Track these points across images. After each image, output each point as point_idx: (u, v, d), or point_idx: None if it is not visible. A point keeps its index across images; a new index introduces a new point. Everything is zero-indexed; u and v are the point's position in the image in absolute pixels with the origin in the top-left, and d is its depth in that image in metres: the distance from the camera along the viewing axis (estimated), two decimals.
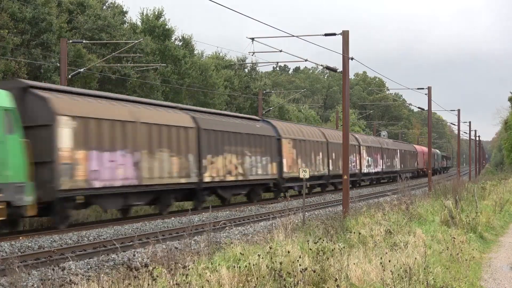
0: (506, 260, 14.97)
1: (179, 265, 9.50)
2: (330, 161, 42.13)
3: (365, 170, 51.58)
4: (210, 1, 14.87)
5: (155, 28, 45.08)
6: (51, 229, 20.31)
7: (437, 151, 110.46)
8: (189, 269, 8.94)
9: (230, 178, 29.33)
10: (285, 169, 35.10)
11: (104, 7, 43.08)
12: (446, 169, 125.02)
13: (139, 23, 46.20)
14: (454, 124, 66.75)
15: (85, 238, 18.35)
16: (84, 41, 32.64)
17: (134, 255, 14.52)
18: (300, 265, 9.59)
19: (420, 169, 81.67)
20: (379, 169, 56.42)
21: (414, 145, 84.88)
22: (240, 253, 10.76)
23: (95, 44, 36.40)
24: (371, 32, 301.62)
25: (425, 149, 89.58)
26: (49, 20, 32.65)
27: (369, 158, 53.42)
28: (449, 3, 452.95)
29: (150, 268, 8.30)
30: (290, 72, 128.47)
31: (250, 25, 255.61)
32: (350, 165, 41.31)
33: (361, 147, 50.72)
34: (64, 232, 19.26)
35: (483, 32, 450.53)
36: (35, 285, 11.76)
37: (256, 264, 9.54)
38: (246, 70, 60.90)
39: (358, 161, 49.90)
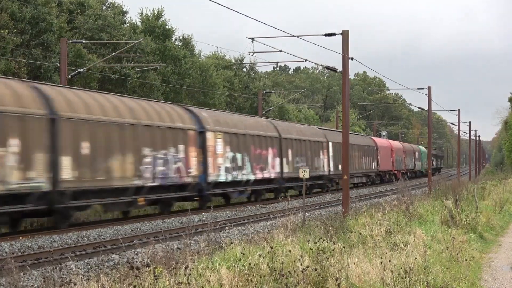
0: (506, 260, 14.97)
1: (179, 265, 9.50)
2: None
3: (220, 177, 28.22)
4: (210, 1, 14.87)
5: (155, 28, 45.10)
6: (51, 229, 20.31)
7: (421, 147, 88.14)
8: (191, 269, 8.94)
9: None
10: None
11: (104, 7, 43.10)
12: (437, 170, 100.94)
13: (139, 23, 46.21)
14: (454, 124, 66.74)
15: (85, 238, 18.35)
16: (84, 41, 32.66)
17: (137, 255, 14.52)
18: (301, 264, 9.60)
19: (384, 172, 58.79)
20: (271, 173, 33.29)
21: (374, 138, 60.50)
22: (241, 253, 10.76)
23: (95, 44, 36.41)
24: (371, 32, 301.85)
25: (396, 143, 68.90)
26: (49, 20, 32.66)
27: (240, 156, 29.96)
28: (449, 2, 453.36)
29: (151, 268, 8.29)
30: (290, 72, 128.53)
31: (250, 25, 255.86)
32: (160, 168, 24.17)
33: (210, 134, 27.58)
34: (64, 232, 19.25)
35: (484, 31, 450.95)
36: (35, 285, 11.76)
37: (256, 264, 9.55)
38: (245, 69, 60.92)
39: (192, 161, 26.12)
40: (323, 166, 40.75)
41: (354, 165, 47.36)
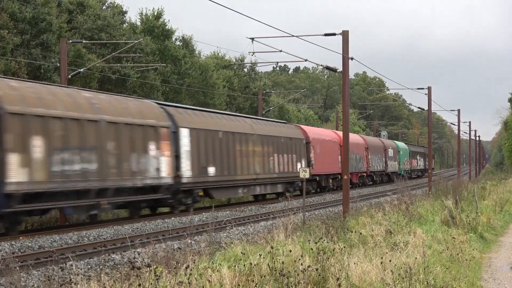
0: (506, 260, 14.99)
1: (180, 265, 9.52)
2: None
3: None
4: (210, 1, 14.87)
5: (154, 28, 45.10)
6: (51, 229, 20.32)
7: (398, 143, 68.81)
8: (191, 269, 8.96)
9: None
10: None
11: (104, 7, 43.10)
12: (422, 172, 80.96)
13: (138, 23, 46.21)
14: (454, 124, 66.71)
15: (85, 238, 18.36)
16: (84, 41, 32.66)
17: (138, 254, 14.53)
18: (301, 264, 9.61)
19: (324, 176, 41.13)
20: None
21: (304, 127, 41.51)
22: (241, 253, 10.78)
23: (95, 44, 36.41)
24: (371, 32, 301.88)
25: (350, 136, 44.27)
26: (49, 20, 32.67)
27: None
28: (450, 1, 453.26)
29: (152, 267, 8.31)
30: (290, 72, 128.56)
31: (250, 25, 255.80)
32: None
33: None
34: (64, 232, 19.26)
35: (484, 31, 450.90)
36: (35, 285, 11.77)
37: (257, 264, 9.56)
38: (245, 70, 60.98)
39: None
40: (158, 169, 23.95)
41: (251, 166, 30.82)
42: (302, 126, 41.48)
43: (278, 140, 34.57)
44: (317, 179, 40.17)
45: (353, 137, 49.29)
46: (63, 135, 19.93)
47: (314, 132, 42.51)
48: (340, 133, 45.07)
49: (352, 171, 45.04)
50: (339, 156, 42.53)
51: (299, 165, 36.12)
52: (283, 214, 16.03)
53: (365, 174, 51.44)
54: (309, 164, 38.22)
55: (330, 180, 42.20)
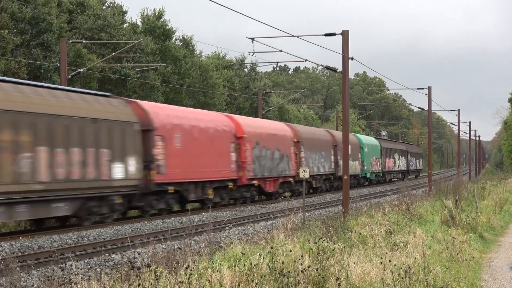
0: (506, 260, 14.99)
1: (180, 265, 9.52)
2: None
3: None
4: (210, 0, 14.87)
5: (155, 28, 45.12)
6: (51, 229, 20.33)
7: (360, 137, 53.32)
8: (191, 269, 8.97)
9: None
10: None
11: (104, 7, 43.11)
12: (404, 175, 67.06)
13: (139, 23, 46.24)
14: (454, 124, 66.66)
15: (85, 238, 18.36)
16: (84, 41, 32.67)
17: (139, 254, 14.53)
18: (301, 264, 9.62)
19: (184, 184, 25.34)
20: None
21: (141, 102, 25.32)
22: (241, 253, 10.78)
23: (95, 44, 36.42)
24: (371, 31, 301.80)
25: (260, 123, 35.15)
26: (49, 20, 32.68)
27: None
28: (451, 1, 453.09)
29: (152, 267, 8.31)
30: (290, 72, 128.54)
31: (250, 24, 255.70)
32: None
33: None
34: (64, 232, 19.27)
35: (485, 31, 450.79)
36: (35, 285, 11.78)
37: (257, 264, 9.57)
38: (246, 70, 61.00)
39: None
40: None
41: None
42: (141, 102, 25.19)
43: (52, 122, 19.13)
44: (169, 190, 24.66)
45: (271, 126, 36.08)
46: None
47: (168, 113, 25.68)
48: (237, 118, 32.53)
49: (264, 175, 32.26)
50: (233, 154, 29.48)
51: (118, 167, 21.85)
52: (283, 214, 16.04)
53: (291, 179, 35.47)
54: (149, 165, 23.49)
55: (210, 191, 27.43)
